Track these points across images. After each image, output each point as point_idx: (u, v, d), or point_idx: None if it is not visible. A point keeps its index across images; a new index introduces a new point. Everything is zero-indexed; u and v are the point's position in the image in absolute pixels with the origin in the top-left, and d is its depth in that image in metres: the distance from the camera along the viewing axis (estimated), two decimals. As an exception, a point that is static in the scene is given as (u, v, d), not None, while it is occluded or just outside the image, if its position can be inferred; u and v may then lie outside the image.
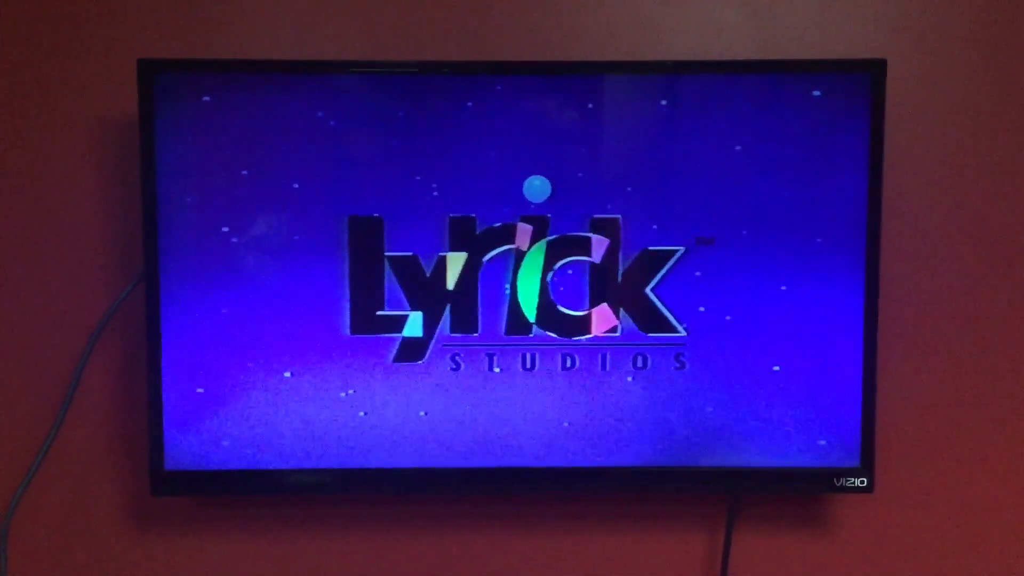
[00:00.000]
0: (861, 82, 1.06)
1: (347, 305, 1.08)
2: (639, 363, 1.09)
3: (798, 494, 1.18)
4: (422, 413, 1.09)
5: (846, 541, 1.19)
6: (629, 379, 1.09)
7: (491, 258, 1.08)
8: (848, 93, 1.06)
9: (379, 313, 1.08)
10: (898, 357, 1.16)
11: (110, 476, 1.17)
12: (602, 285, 1.08)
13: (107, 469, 1.17)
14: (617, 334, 1.08)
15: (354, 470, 1.09)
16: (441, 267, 1.07)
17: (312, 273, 1.07)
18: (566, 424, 1.09)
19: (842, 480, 1.10)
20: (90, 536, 1.17)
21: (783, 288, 1.08)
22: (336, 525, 1.18)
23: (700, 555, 1.19)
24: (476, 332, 1.08)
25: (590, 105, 1.07)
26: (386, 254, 1.07)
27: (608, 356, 1.09)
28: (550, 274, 1.08)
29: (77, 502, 1.17)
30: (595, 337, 1.08)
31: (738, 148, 1.07)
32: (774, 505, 1.18)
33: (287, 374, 1.08)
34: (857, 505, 1.18)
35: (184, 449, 1.08)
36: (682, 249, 1.08)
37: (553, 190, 1.07)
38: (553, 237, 1.07)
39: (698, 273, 1.08)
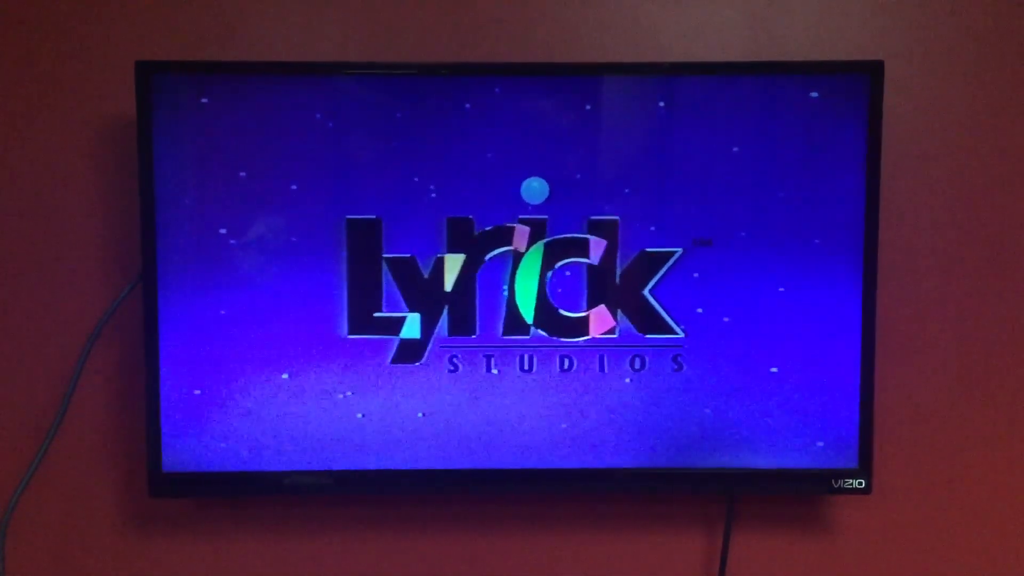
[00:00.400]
0: (859, 84, 1.06)
1: (345, 306, 1.07)
2: (637, 365, 1.09)
3: (796, 495, 1.18)
4: (420, 415, 1.09)
5: (844, 542, 1.19)
6: (627, 380, 1.09)
7: (489, 260, 1.08)
8: (846, 95, 1.06)
9: (377, 315, 1.08)
10: (896, 358, 1.16)
11: (108, 478, 1.17)
12: (600, 287, 1.08)
13: (105, 471, 1.17)
14: (615, 335, 1.08)
15: (352, 472, 1.09)
16: (439, 269, 1.07)
17: (310, 274, 1.07)
18: (564, 426, 1.09)
19: (840, 481, 1.10)
20: (88, 538, 1.17)
21: (781, 290, 1.08)
22: (334, 527, 1.18)
23: (698, 556, 1.19)
24: (474, 334, 1.08)
25: (588, 107, 1.07)
26: (384, 255, 1.07)
27: (606, 358, 1.09)
28: (548, 276, 1.08)
29: (75, 503, 1.17)
30: (593, 339, 1.08)
31: (736, 150, 1.07)
32: (772, 506, 1.18)
33: (285, 376, 1.08)
34: (855, 506, 1.18)
35: (182, 451, 1.08)
36: (680, 251, 1.08)
37: (551, 192, 1.07)
38: (551, 239, 1.07)
39: (696, 275, 1.08)
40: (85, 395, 1.15)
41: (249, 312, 1.07)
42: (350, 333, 1.08)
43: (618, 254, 1.08)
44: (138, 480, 1.15)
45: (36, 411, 1.15)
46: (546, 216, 1.07)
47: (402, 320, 1.08)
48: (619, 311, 1.08)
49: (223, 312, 1.07)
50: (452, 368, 1.08)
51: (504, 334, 1.08)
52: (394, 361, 1.08)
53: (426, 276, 1.07)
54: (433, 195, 1.07)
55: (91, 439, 1.16)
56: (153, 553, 1.18)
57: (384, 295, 1.08)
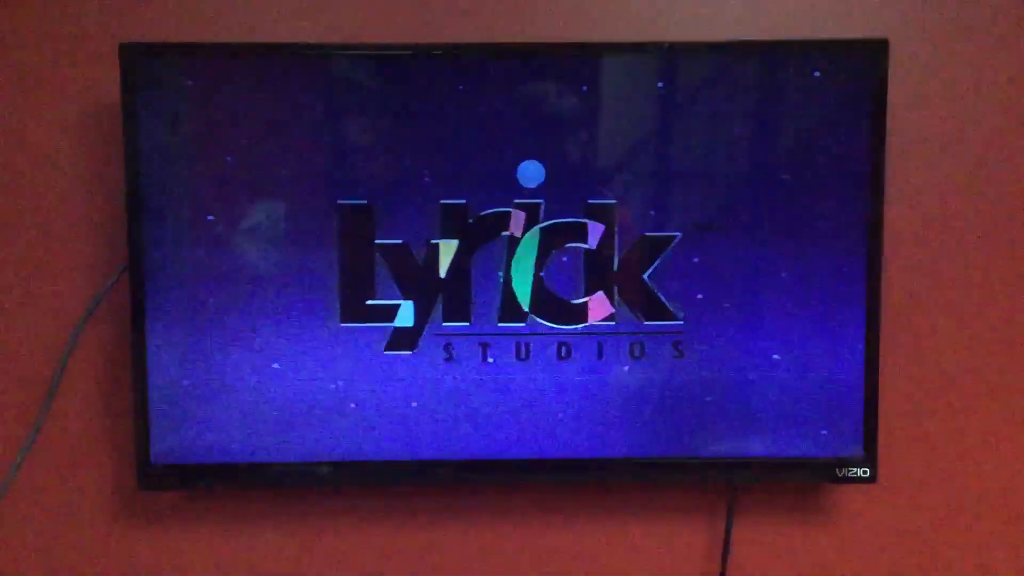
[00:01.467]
0: (863, 63, 1.04)
1: (337, 294, 1.05)
2: (636, 352, 1.06)
3: (800, 484, 1.15)
4: (414, 404, 1.06)
5: (848, 531, 1.17)
6: (626, 368, 1.06)
7: (484, 245, 1.05)
8: (849, 74, 1.04)
9: (369, 302, 1.05)
10: (901, 345, 1.14)
11: (97, 470, 1.14)
12: (598, 272, 1.06)
13: (94, 463, 1.14)
14: (614, 322, 1.06)
15: (345, 462, 1.07)
16: (433, 255, 1.05)
17: (301, 261, 1.05)
18: (561, 415, 1.07)
19: (844, 470, 1.07)
20: (77, 530, 1.15)
21: (783, 275, 1.05)
22: (327, 518, 1.16)
23: (700, 546, 1.17)
24: (469, 321, 1.05)
25: (585, 88, 1.04)
26: (376, 241, 1.04)
27: (604, 345, 1.06)
28: (545, 261, 1.05)
29: (63, 496, 1.14)
30: (591, 325, 1.06)
31: (737, 131, 1.05)
32: (775, 496, 1.16)
33: (276, 365, 1.05)
34: (860, 495, 1.16)
35: (171, 442, 1.06)
36: (680, 235, 1.05)
37: (547, 175, 1.04)
38: (547, 223, 1.05)
39: (696, 259, 1.05)
40: (72, 386, 1.12)
41: (238, 300, 1.05)
42: (342, 321, 1.05)
43: (616, 239, 1.05)
44: (127, 472, 1.12)
45: (21, 405, 1.13)
46: (542, 200, 1.04)
47: (395, 308, 1.05)
48: (618, 297, 1.06)
49: (212, 300, 1.05)
50: (447, 356, 1.06)
51: (500, 321, 1.05)
52: (387, 349, 1.06)
53: (420, 263, 1.05)
54: (426, 179, 1.04)
55: (79, 431, 1.13)
56: (143, 546, 1.15)
57: (377, 282, 1.05)
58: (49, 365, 1.11)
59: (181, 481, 1.08)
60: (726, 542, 1.13)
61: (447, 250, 1.05)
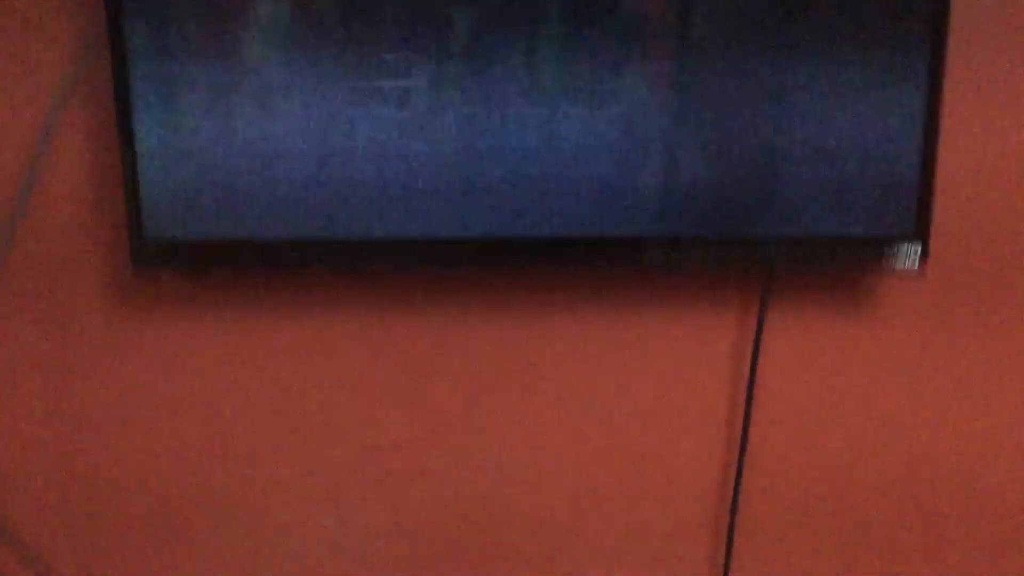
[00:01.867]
0: None
1: (346, 48, 0.94)
2: (673, 119, 0.96)
3: (840, 274, 1.08)
4: (427, 175, 0.97)
5: (892, 323, 1.10)
6: (659, 136, 0.97)
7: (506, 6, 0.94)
8: None
9: (380, 58, 0.94)
10: (961, 108, 1.04)
11: (89, 248, 1.07)
12: (632, 37, 0.94)
13: (85, 241, 1.07)
14: (646, 89, 0.95)
15: (352, 240, 0.99)
16: (448, 9, 0.93)
17: (305, 12, 0.94)
18: (587, 190, 0.98)
19: (892, 249, 0.99)
20: (71, 320, 1.09)
21: (841, 36, 0.94)
22: (335, 300, 1.09)
23: (730, 335, 1.10)
24: (489, 84, 0.95)
25: None
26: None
27: (635, 111, 0.95)
28: (573, 25, 0.94)
29: (54, 278, 1.08)
30: (621, 91, 0.95)
31: None
32: (814, 281, 1.08)
33: (278, 127, 0.95)
34: (906, 284, 1.08)
35: (167, 215, 0.97)
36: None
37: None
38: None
39: (745, 12, 0.94)
40: (57, 160, 1.04)
41: (236, 56, 0.94)
42: (352, 78, 0.95)
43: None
44: (121, 250, 1.05)
45: (3, 180, 1.04)
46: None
47: (408, 66, 0.95)
48: (653, 62, 0.95)
49: (207, 55, 0.94)
50: (465, 119, 0.95)
51: (523, 93, 0.95)
52: (399, 110, 0.95)
53: (435, 18, 0.94)
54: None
55: (70, 201, 1.06)
56: (140, 331, 1.10)
57: (387, 36, 0.94)
58: (34, 129, 1.02)
59: (178, 259, 1.01)
60: (759, 331, 1.07)
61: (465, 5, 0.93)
